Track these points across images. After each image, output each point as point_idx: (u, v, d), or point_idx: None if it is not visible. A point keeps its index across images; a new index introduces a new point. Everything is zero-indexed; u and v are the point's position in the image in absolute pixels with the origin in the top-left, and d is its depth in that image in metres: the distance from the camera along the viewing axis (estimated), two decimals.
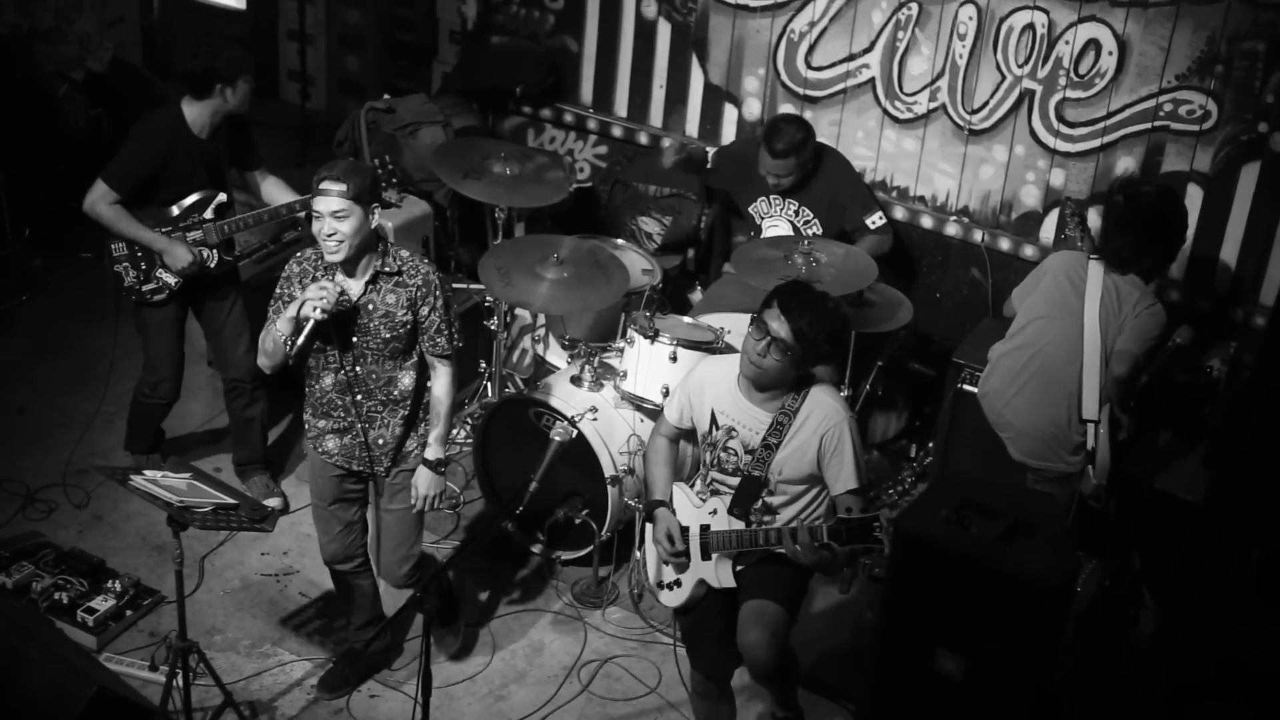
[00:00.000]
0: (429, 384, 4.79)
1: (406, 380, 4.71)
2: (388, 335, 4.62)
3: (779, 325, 4.34)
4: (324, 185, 4.47)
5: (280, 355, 4.57)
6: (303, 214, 5.68)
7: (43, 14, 7.82)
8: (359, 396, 4.69)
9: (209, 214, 5.62)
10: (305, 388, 4.81)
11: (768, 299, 4.43)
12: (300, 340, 4.49)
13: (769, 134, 6.09)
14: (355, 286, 4.58)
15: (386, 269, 4.60)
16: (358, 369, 4.66)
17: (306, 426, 4.87)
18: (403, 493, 4.86)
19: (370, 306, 4.59)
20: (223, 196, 5.66)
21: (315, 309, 4.43)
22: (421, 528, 4.98)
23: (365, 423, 4.73)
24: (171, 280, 5.62)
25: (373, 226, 4.56)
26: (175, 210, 5.57)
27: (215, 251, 5.66)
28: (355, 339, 4.62)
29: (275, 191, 5.82)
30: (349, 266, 4.56)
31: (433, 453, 4.78)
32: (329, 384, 4.71)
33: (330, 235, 4.48)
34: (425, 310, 4.64)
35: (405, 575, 4.97)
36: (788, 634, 4.64)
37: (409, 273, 4.62)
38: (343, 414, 4.74)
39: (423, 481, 4.80)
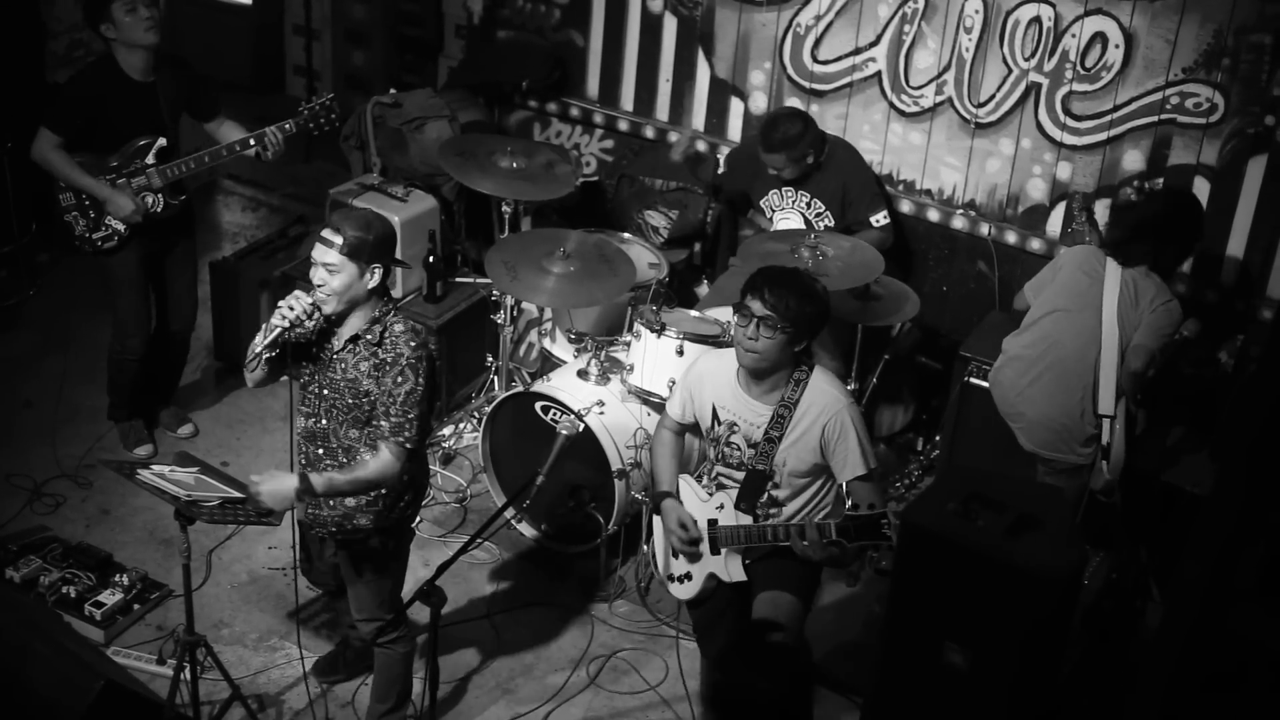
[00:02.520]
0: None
1: (366, 457, 4.41)
2: (350, 401, 4.38)
3: (759, 304, 4.40)
4: (324, 234, 4.29)
5: (255, 366, 4.40)
6: (248, 152, 5.71)
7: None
8: (320, 450, 4.50)
9: (150, 159, 5.65)
10: None
11: (744, 288, 4.49)
12: (264, 350, 4.31)
13: (764, 128, 6.12)
14: (337, 342, 4.39)
15: (369, 336, 4.36)
16: (324, 422, 4.47)
17: None
18: (349, 570, 4.64)
19: (342, 366, 4.38)
20: (163, 141, 5.68)
21: (283, 318, 4.25)
22: (381, 596, 4.68)
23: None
24: (120, 227, 5.70)
25: (370, 287, 4.32)
26: (117, 159, 5.63)
27: (160, 196, 5.71)
28: (326, 391, 4.44)
29: (229, 133, 5.84)
30: (336, 320, 4.37)
31: (316, 482, 4.29)
32: (301, 426, 4.55)
33: (319, 286, 4.30)
34: (387, 383, 4.31)
35: (371, 634, 4.76)
36: (802, 625, 4.65)
37: (387, 346, 4.34)
38: (303, 460, 4.56)
39: (277, 484, 4.25)
